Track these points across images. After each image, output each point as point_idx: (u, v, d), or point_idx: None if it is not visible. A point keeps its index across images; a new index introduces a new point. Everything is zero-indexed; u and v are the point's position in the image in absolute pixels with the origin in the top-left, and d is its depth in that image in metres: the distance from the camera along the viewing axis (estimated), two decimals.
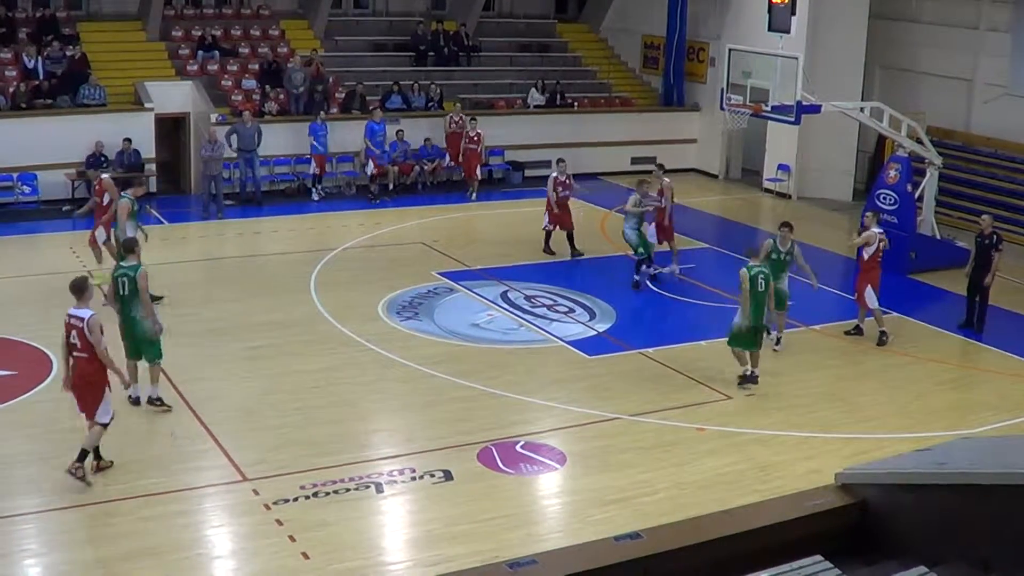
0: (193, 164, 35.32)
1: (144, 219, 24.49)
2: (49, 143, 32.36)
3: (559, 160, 28.98)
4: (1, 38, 36.37)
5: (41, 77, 34.64)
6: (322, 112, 34.38)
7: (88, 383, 15.66)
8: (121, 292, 18.03)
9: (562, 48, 43.21)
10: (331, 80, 36.90)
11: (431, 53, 39.79)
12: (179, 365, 19.61)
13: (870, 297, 21.95)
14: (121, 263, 18.53)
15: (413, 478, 15.73)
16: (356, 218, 31.42)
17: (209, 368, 19.94)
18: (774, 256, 21.17)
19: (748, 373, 19.51)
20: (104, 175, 24.98)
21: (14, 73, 34.94)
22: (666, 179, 26.70)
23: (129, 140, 32.83)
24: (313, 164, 33.92)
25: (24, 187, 32.15)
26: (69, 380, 15.74)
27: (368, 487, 15.43)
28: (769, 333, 20.73)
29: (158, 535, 14.19)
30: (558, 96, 38.80)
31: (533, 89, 38.67)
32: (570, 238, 27.80)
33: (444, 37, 40.37)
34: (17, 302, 23.43)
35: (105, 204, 24.11)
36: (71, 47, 35.80)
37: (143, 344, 18.04)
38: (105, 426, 15.65)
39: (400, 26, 41.58)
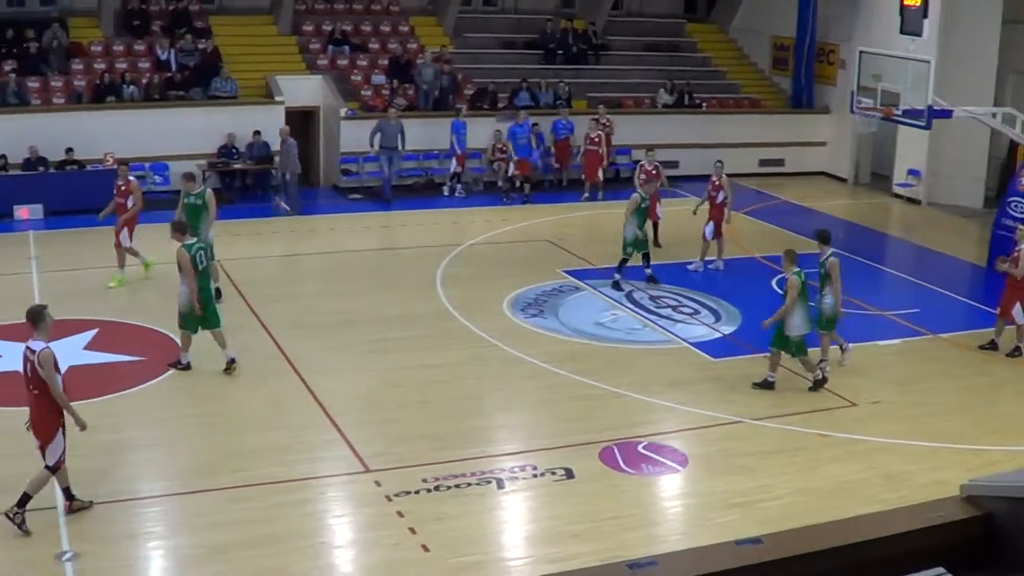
0: (322, 158, 35.70)
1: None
2: (181, 134, 32.87)
3: (649, 148, 28.98)
4: (135, 31, 37.02)
5: (174, 69, 35.24)
6: (463, 109, 34.36)
7: (38, 421, 14.40)
8: (200, 265, 19.24)
9: (691, 48, 43.01)
10: (459, 77, 37.05)
11: (559, 51, 39.82)
12: (306, 356, 19.91)
13: (1018, 313, 21.36)
14: (193, 240, 19.62)
15: (534, 475, 15.73)
16: (483, 214, 31.55)
17: (335, 359, 20.14)
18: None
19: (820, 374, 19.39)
20: (131, 177, 25.05)
21: (148, 65, 35.57)
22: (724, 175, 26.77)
23: (259, 132, 33.25)
24: (454, 162, 33.97)
25: (156, 176, 32.76)
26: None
27: (489, 482, 15.46)
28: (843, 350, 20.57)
29: (280, 523, 14.35)
30: (686, 96, 38.62)
31: (662, 89, 38.57)
32: (654, 227, 27.80)
33: (573, 35, 40.37)
34: (146, 289, 23.86)
35: (129, 206, 24.26)
36: (203, 40, 36.35)
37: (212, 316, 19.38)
38: (52, 470, 14.31)
39: (529, 24, 41.65)
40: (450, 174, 34.21)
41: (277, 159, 32.31)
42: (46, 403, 14.24)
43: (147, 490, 15.41)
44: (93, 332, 21.17)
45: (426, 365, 19.74)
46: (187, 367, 19.45)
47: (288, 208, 30.91)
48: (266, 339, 21.05)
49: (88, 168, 32.04)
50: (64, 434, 14.37)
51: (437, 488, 15.16)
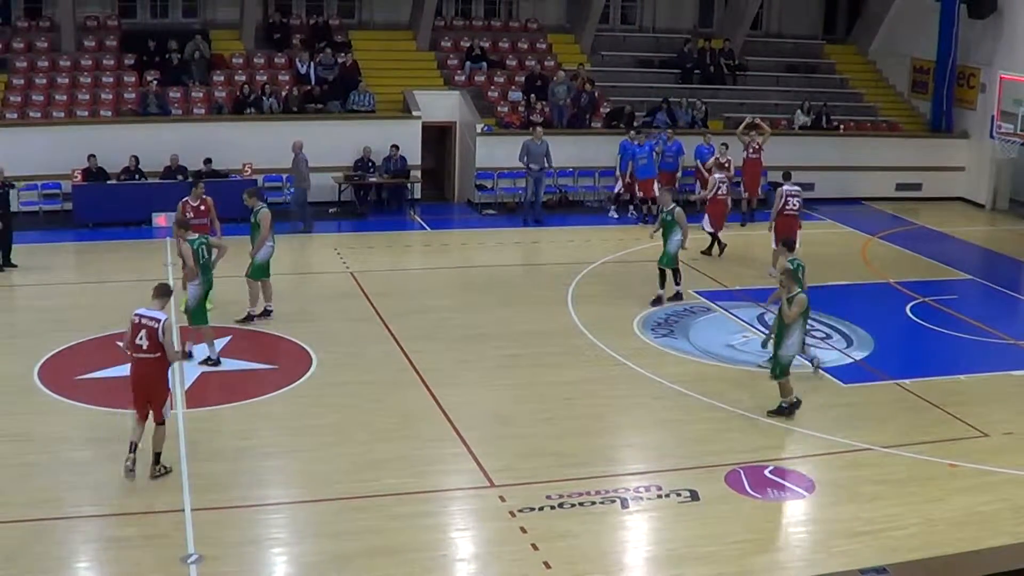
0: (457, 173, 35.91)
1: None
2: (318, 147, 33.18)
3: (723, 144, 29.42)
4: (276, 43, 37.59)
5: (313, 82, 35.69)
6: (632, 131, 33.99)
7: (154, 385, 15.83)
8: (202, 259, 20.53)
9: (829, 69, 42.58)
10: (596, 95, 37.07)
11: (697, 71, 39.65)
12: (436, 369, 20.06)
13: None
14: (192, 236, 20.76)
15: (659, 496, 15.65)
16: (616, 232, 31.46)
17: (465, 373, 20.25)
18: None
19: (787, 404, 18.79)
20: (205, 196, 24.80)
21: (287, 78, 36.08)
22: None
23: (397, 147, 33.51)
24: (619, 183, 33.72)
25: (293, 188, 33.15)
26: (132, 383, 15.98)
27: (614, 501, 15.42)
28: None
29: (403, 534, 14.43)
30: (824, 118, 38.23)
31: (799, 110, 38.20)
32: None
33: (710, 55, 40.19)
34: (281, 299, 24.13)
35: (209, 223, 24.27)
36: (343, 54, 36.79)
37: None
38: (163, 423, 15.88)
39: (666, 43, 41.58)
40: (613, 194, 34.09)
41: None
42: (163, 366, 15.75)
43: (273, 496, 15.65)
44: (227, 339, 21.48)
45: (554, 382, 19.76)
46: (217, 361, 20.31)
47: (421, 223, 31.04)
48: (397, 351, 21.22)
49: (227, 178, 32.53)
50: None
51: (561, 505, 15.15)
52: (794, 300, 18.07)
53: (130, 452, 15.57)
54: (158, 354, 15.57)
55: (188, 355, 20.09)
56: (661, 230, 24.61)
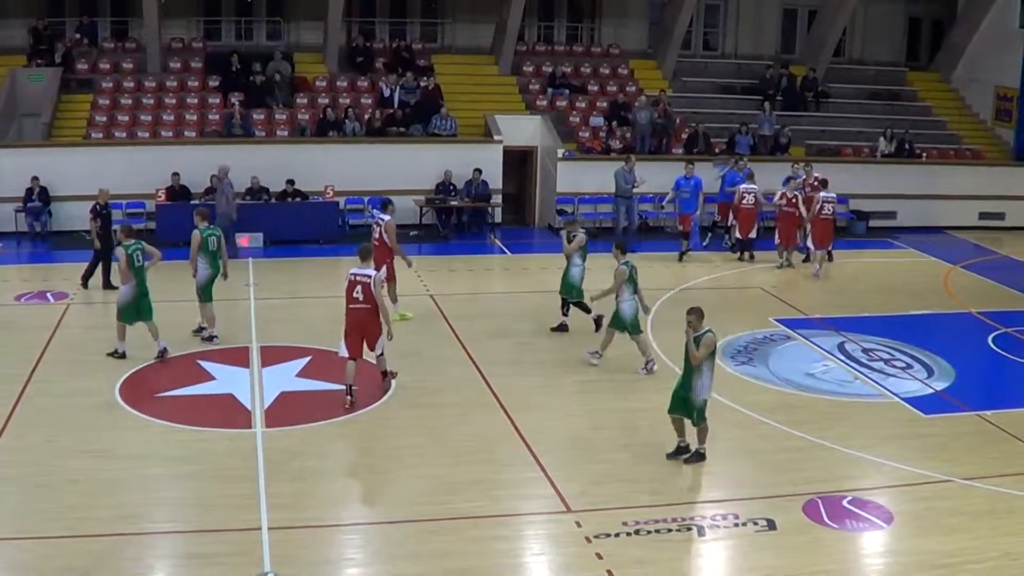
0: (538, 198, 35.96)
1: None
2: (400, 170, 33.46)
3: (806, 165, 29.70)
4: (359, 67, 37.91)
5: (396, 106, 35.92)
6: (734, 159, 33.73)
7: (369, 327, 19.34)
8: (136, 264, 21.63)
9: (912, 97, 42.34)
10: (677, 120, 37.02)
11: (779, 97, 39.50)
12: (514, 393, 20.07)
13: None
14: (129, 242, 21.77)
15: (736, 524, 15.52)
16: (698, 259, 31.25)
17: (543, 398, 20.24)
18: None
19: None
20: (386, 216, 24.82)
21: (370, 101, 36.37)
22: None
23: (479, 171, 33.62)
24: (718, 213, 33.53)
25: (374, 211, 33.30)
26: (349, 330, 19.44)
27: (690, 529, 15.30)
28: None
29: (479, 558, 14.39)
30: (906, 146, 37.92)
31: (881, 138, 37.96)
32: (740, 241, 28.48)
33: (792, 81, 40.03)
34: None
35: (384, 245, 24.35)
36: (425, 78, 37.03)
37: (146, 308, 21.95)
38: (383, 356, 19.65)
39: (748, 69, 41.54)
40: (710, 223, 33.93)
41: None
42: (375, 313, 19.33)
43: (350, 517, 15.68)
44: (306, 360, 21.67)
45: (633, 408, 19.69)
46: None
47: (502, 247, 31.09)
48: (475, 375, 21.27)
49: (309, 200, 32.80)
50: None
51: (637, 532, 15.07)
52: (701, 340, 17.24)
53: (347, 394, 19.24)
54: (371, 304, 19.20)
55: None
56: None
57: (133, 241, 21.92)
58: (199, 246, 22.95)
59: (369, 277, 19.25)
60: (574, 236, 23.81)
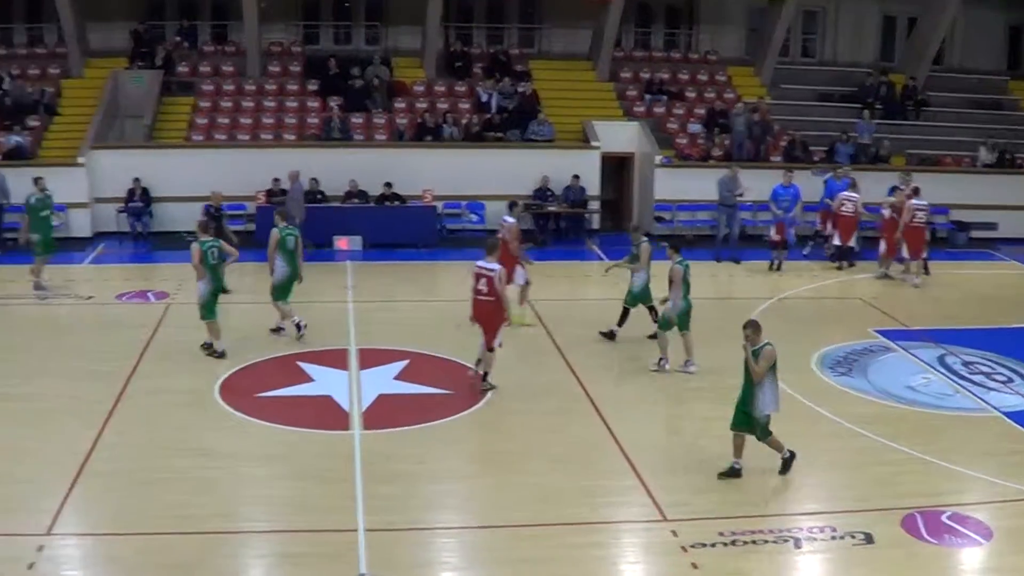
0: (636, 204, 35.89)
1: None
2: (497, 175, 33.58)
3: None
4: (457, 72, 38.05)
5: (493, 111, 35.96)
6: (834, 167, 33.43)
7: (490, 319, 20.10)
8: (211, 261, 21.93)
9: (1013, 106, 41.75)
10: (775, 128, 36.80)
11: (878, 106, 39.12)
12: (611, 400, 20.05)
13: None
14: (205, 238, 22.16)
15: (833, 537, 15.36)
16: (798, 267, 31.02)
17: (640, 405, 20.19)
18: None
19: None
20: (511, 219, 25.11)
21: (468, 106, 36.46)
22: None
23: (577, 177, 33.64)
24: (817, 220, 33.13)
25: (472, 215, 33.55)
26: (472, 317, 20.43)
27: (786, 541, 15.16)
28: None
29: (574, 565, 14.36)
30: (1007, 156, 37.39)
31: (982, 148, 37.43)
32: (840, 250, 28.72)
33: (892, 89, 39.65)
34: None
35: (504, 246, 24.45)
36: (522, 83, 37.13)
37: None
38: (493, 351, 20.20)
39: (847, 76, 41.24)
40: (812, 232, 33.54)
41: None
42: (497, 307, 20.19)
43: (445, 521, 15.73)
44: (404, 363, 21.79)
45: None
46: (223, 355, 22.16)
47: (599, 253, 31.03)
48: (573, 381, 21.27)
49: (406, 204, 32.96)
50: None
51: (734, 543, 14.97)
52: (761, 354, 16.83)
53: (483, 380, 20.33)
54: (494, 297, 20.00)
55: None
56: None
57: (209, 238, 22.31)
58: (277, 245, 23.29)
59: (493, 271, 20.06)
60: (639, 244, 23.67)
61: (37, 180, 27.68)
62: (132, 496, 15.83)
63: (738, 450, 17.02)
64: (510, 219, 24.91)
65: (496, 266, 20.21)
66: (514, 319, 23.30)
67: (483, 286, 20.10)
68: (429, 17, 37.58)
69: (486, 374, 20.41)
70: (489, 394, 20.26)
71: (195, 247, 22.02)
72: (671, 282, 21.90)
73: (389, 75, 38.07)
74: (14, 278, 28.49)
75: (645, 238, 23.89)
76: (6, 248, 31.27)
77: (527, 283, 24.97)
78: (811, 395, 20.66)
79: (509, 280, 22.58)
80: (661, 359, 22.04)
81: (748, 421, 16.88)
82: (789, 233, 31.08)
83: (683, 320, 21.92)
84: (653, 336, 23.53)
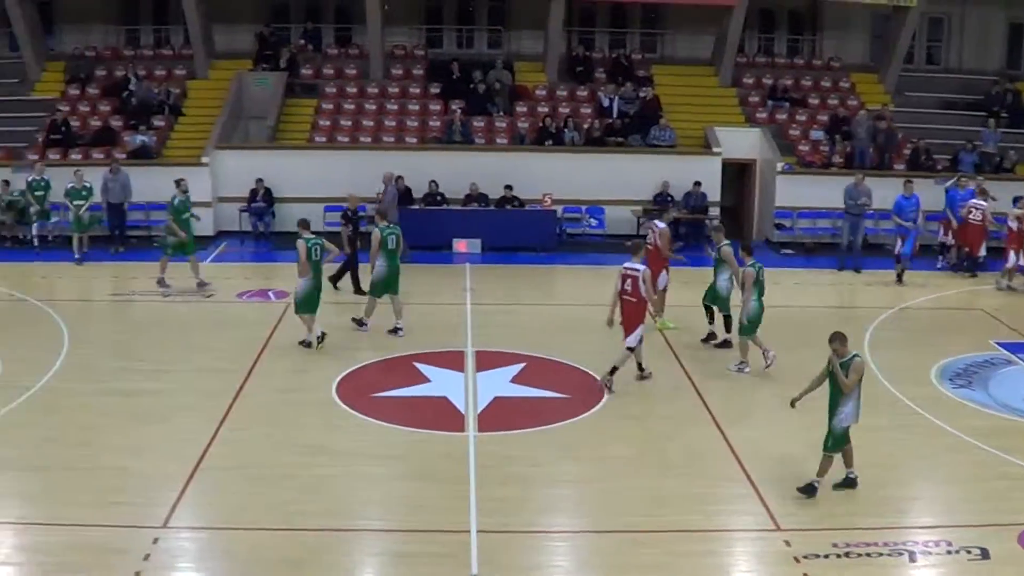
0: (756, 211, 35.68)
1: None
2: (618, 180, 33.58)
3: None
4: (579, 77, 38.06)
5: (614, 116, 35.93)
6: (956, 176, 32.89)
7: (632, 319, 20.61)
8: (314, 257, 22.70)
9: None
10: (899, 136, 36.36)
11: (1004, 114, 38.47)
12: (727, 407, 19.97)
13: None
14: (308, 236, 22.92)
15: (948, 551, 15.12)
16: (918, 278, 30.63)
17: (755, 413, 20.12)
18: None
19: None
20: (661, 224, 25.30)
21: (589, 110, 36.45)
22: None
23: (699, 183, 33.50)
24: (941, 230, 32.54)
25: (591, 220, 33.58)
26: (612, 318, 20.97)
27: (901, 554, 14.96)
28: None
29: (686, 572, 14.33)
30: None
31: None
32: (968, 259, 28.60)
33: (1018, 98, 38.99)
34: (574, 329, 24.53)
35: (657, 252, 24.41)
36: (644, 88, 37.03)
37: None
38: (631, 350, 20.76)
39: (973, 84, 40.52)
40: (939, 243, 32.88)
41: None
42: (639, 307, 20.74)
43: (558, 524, 15.77)
44: (520, 366, 21.89)
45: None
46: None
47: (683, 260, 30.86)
48: (689, 387, 21.27)
49: (526, 207, 33.04)
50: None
51: (848, 554, 14.81)
52: (850, 366, 16.28)
53: (610, 374, 20.63)
54: (636, 298, 20.62)
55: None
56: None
57: (312, 236, 22.98)
58: (380, 244, 23.69)
59: (638, 271, 20.66)
60: (720, 247, 23.50)
61: (179, 182, 28.30)
62: (247, 492, 16.10)
63: (847, 460, 16.75)
64: (661, 224, 25.14)
65: (641, 267, 20.78)
66: (659, 324, 24.00)
67: (628, 286, 20.69)
68: (551, 21, 37.67)
69: (615, 368, 20.71)
70: (606, 396, 20.34)
71: (301, 243, 22.69)
72: (743, 285, 22.02)
73: (511, 79, 38.21)
74: (136, 275, 29.07)
75: (727, 241, 23.69)
76: (128, 245, 31.85)
77: (665, 288, 24.94)
78: (930, 407, 20.39)
79: (654, 284, 22.59)
80: (742, 363, 22.29)
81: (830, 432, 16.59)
82: (909, 243, 30.61)
83: (752, 324, 22.00)
84: (706, 339, 23.51)
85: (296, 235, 23.17)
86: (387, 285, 23.99)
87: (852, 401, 16.35)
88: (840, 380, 16.20)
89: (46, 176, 32.33)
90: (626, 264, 20.93)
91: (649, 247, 23.47)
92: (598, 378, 20.85)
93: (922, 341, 24.61)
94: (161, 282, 27.46)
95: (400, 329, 23.92)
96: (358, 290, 26.97)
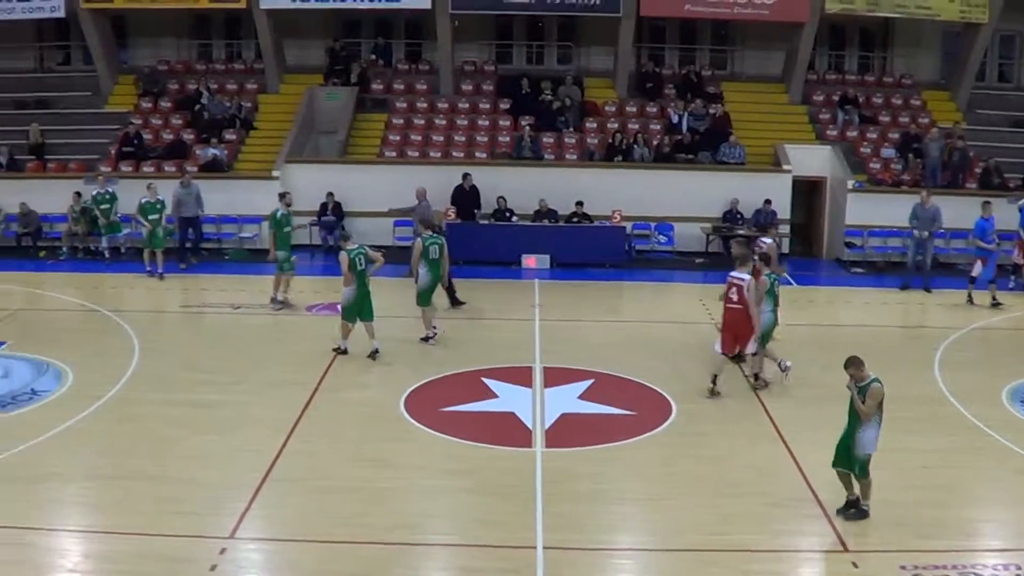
0: (826, 229, 35.48)
1: None
2: (687, 197, 33.57)
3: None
4: (649, 93, 38.03)
5: (684, 132, 35.89)
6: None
7: (742, 327, 21.11)
8: (358, 267, 23.18)
9: None
10: (971, 154, 36.05)
11: None
12: (795, 426, 19.81)
13: None
14: (351, 247, 23.47)
15: (1018, 575, 15.05)
16: (988, 298, 30.32)
17: (822, 432, 19.71)
18: None
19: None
20: (768, 240, 25.65)
21: (658, 127, 36.43)
22: None
23: (769, 201, 33.39)
24: (1016, 252, 31.76)
25: (660, 236, 33.56)
26: (720, 325, 21.66)
27: None
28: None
29: None
30: None
31: None
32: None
33: None
34: (643, 345, 24.49)
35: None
36: (714, 105, 37.00)
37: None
38: (753, 354, 21.64)
39: None
40: (1012, 263, 32.26)
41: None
42: (746, 315, 21.06)
43: (624, 542, 15.71)
44: (589, 383, 21.85)
45: (914, 449, 19.14)
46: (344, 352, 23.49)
47: (788, 278, 30.71)
48: (757, 405, 21.13)
49: (595, 224, 33.04)
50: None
51: None
52: (868, 391, 16.03)
53: (712, 383, 21.24)
54: (742, 305, 21.00)
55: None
56: None
57: (356, 246, 23.55)
58: (420, 253, 24.28)
59: (744, 281, 21.16)
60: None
61: (284, 195, 28.60)
62: (314, 504, 16.17)
63: (847, 485, 16.37)
64: (768, 240, 25.43)
65: (746, 276, 21.24)
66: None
67: (733, 295, 21.15)
68: (621, 38, 37.69)
69: (756, 375, 21.87)
70: (674, 414, 20.34)
71: (343, 255, 23.31)
72: (758, 294, 21.82)
73: (580, 95, 38.24)
74: (207, 287, 29.34)
75: (756, 257, 23.48)
76: (201, 258, 32.09)
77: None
78: (1000, 429, 20.14)
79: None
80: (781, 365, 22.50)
81: (848, 458, 16.17)
82: (991, 266, 30.21)
83: (765, 336, 22.08)
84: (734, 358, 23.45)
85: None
86: (430, 293, 24.76)
87: (873, 428, 16.04)
88: (857, 406, 15.99)
89: (111, 189, 32.73)
90: (732, 273, 21.41)
91: (756, 263, 23.34)
92: (668, 399, 20.89)
93: (993, 362, 24.36)
94: (274, 300, 27.72)
95: (433, 337, 24.65)
96: (454, 303, 27.17)
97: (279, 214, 27.75)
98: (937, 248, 33.68)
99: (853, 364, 16.02)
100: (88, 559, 14.43)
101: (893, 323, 28.73)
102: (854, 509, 16.23)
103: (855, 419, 16.00)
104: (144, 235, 30.91)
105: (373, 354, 23.22)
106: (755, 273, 22.26)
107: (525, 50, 41.59)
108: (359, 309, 23.41)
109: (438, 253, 24.55)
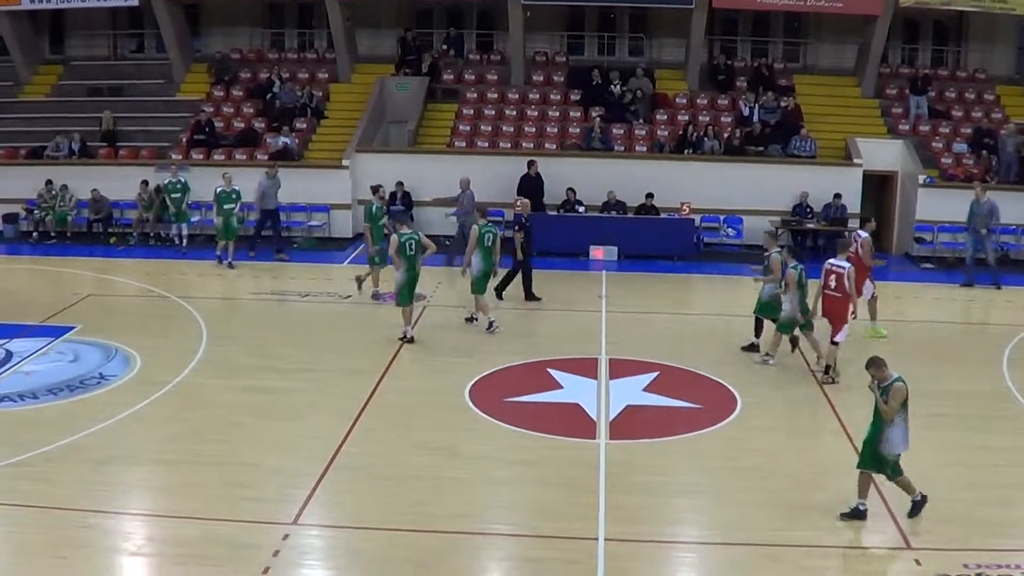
0: (896, 224, 35.20)
1: None
2: (757, 189, 33.38)
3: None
4: (720, 85, 37.90)
5: (755, 125, 35.70)
6: None
7: (837, 314, 21.57)
8: (408, 252, 23.55)
9: None
10: None
11: None
12: (859, 422, 19.35)
13: None
14: (404, 231, 23.91)
15: None
16: None
17: None
18: None
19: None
20: (864, 233, 25.40)
21: (729, 119, 36.27)
22: None
23: (839, 195, 33.19)
24: None
25: (729, 229, 33.42)
26: (819, 311, 22.14)
27: None
28: None
29: None
30: None
31: None
32: None
33: None
34: (709, 338, 24.40)
35: (859, 261, 24.17)
36: (786, 98, 36.81)
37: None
38: (837, 345, 21.62)
39: None
40: None
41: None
42: (844, 303, 21.69)
43: (686, 535, 15.72)
44: (654, 375, 21.84)
45: (980, 447, 19.00)
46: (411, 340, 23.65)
47: None
48: (822, 400, 21.02)
49: (664, 216, 32.97)
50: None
51: (979, 575, 14.63)
52: (890, 391, 15.80)
53: (825, 372, 21.77)
54: (841, 293, 21.59)
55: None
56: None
57: (409, 231, 24.00)
58: (476, 241, 24.52)
59: (843, 268, 21.69)
60: (770, 255, 23.24)
61: (377, 188, 28.90)
62: (377, 492, 16.30)
63: (863, 490, 16.08)
64: (863, 233, 25.32)
65: (846, 264, 21.75)
66: (869, 332, 24.42)
67: (833, 282, 21.72)
68: (693, 30, 37.57)
69: (828, 367, 21.82)
70: (739, 407, 20.24)
71: (393, 238, 23.93)
72: (786, 285, 22.18)
73: (651, 87, 38.13)
74: (277, 274, 29.58)
75: (778, 249, 23.34)
76: (255, 248, 32.21)
77: (874, 296, 25.14)
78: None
79: (859, 291, 23.24)
80: (767, 354, 22.90)
81: (876, 460, 15.95)
82: None
83: (789, 324, 22.53)
84: (747, 348, 23.35)
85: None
86: (485, 281, 25.01)
87: (898, 427, 15.81)
88: (880, 406, 15.81)
89: (182, 178, 33.01)
90: (831, 261, 22.02)
91: (851, 256, 23.20)
92: (734, 392, 20.82)
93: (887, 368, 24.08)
94: (376, 295, 27.79)
95: (476, 319, 25.16)
96: (529, 296, 27.29)
97: (374, 208, 27.85)
98: (1009, 244, 33.40)
99: (874, 364, 15.91)
100: (152, 542, 14.62)
101: (962, 319, 28.51)
102: (856, 514, 15.96)
103: (879, 420, 15.86)
104: (217, 224, 31.03)
105: (407, 336, 23.78)
106: (772, 265, 22.74)
107: (596, 41, 41.49)
108: (410, 291, 23.82)
109: (492, 241, 24.74)
